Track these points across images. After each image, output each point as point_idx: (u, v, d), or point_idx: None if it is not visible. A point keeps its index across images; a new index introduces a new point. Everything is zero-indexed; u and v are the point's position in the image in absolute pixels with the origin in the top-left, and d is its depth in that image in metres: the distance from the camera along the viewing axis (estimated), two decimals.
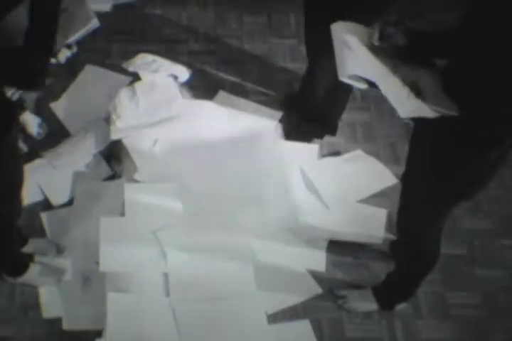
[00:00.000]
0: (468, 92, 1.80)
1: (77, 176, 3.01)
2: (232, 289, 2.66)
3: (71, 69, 3.38)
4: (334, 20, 2.08)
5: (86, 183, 2.99)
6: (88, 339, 2.48)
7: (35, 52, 1.99)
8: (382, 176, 3.13)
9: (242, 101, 3.41)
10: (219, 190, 2.94)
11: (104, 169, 3.06)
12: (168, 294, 2.61)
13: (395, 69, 1.91)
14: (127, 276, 2.64)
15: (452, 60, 1.88)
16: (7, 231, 2.44)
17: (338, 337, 2.66)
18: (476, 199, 2.19)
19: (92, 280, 2.68)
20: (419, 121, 2.01)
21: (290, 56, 3.74)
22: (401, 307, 2.71)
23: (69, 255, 2.75)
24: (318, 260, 2.86)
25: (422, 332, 2.69)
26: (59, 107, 3.32)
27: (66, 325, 2.59)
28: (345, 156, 3.25)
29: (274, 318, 2.66)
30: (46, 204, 2.94)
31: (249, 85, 3.55)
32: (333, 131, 3.32)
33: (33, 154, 3.05)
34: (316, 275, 2.81)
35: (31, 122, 3.15)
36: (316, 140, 3.28)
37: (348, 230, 2.93)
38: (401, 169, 2.33)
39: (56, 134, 3.20)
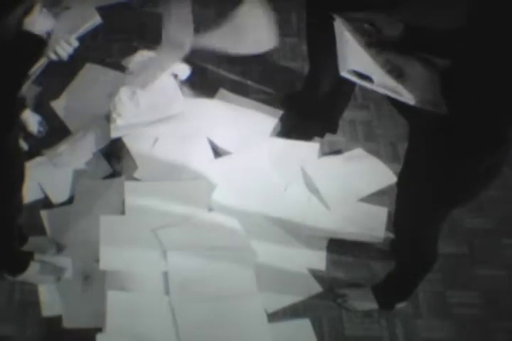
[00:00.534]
0: (468, 95, 1.79)
1: (78, 174, 3.01)
2: (232, 288, 2.65)
3: (71, 68, 3.38)
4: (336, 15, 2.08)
5: (86, 181, 2.99)
6: (88, 338, 2.47)
7: None
8: (383, 175, 3.12)
9: (242, 99, 3.40)
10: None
11: (105, 167, 3.06)
12: (167, 293, 2.61)
13: (387, 62, 1.91)
14: (127, 275, 2.63)
15: (453, 62, 1.87)
16: (7, 229, 2.44)
17: (338, 335, 2.66)
18: (477, 199, 2.19)
19: (92, 279, 2.68)
20: (415, 124, 2.01)
21: (291, 54, 3.73)
22: (401, 306, 2.71)
23: (69, 253, 2.75)
24: (318, 259, 2.86)
25: (421, 331, 2.69)
26: (59, 105, 3.32)
27: (66, 323, 2.59)
28: (346, 155, 3.24)
29: (274, 317, 2.65)
30: (46, 203, 2.94)
31: (249, 84, 3.54)
32: (333, 130, 3.32)
33: (34, 152, 3.06)
34: (316, 274, 2.81)
35: (32, 120, 3.15)
36: (316, 138, 3.28)
37: (348, 229, 2.93)
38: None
39: (56, 132, 3.20)
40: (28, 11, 1.81)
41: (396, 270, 2.59)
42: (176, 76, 3.22)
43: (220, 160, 3.08)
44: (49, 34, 1.83)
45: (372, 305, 2.70)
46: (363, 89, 3.36)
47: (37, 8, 1.82)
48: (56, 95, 3.35)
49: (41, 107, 3.28)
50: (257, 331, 2.57)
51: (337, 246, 2.90)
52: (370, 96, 3.45)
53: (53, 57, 1.83)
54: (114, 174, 3.04)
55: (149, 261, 2.68)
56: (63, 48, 1.82)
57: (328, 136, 3.31)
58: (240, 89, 3.50)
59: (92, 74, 3.45)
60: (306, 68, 3.41)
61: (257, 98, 3.44)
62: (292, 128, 3.30)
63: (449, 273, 2.85)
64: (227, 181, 2.98)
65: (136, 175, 2.91)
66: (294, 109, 3.37)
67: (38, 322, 2.60)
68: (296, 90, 3.47)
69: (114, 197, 2.87)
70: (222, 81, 3.53)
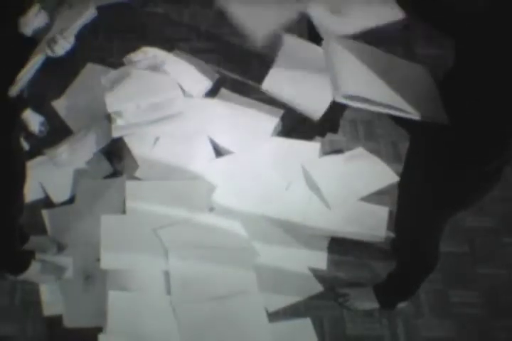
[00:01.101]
0: (469, 102, 1.78)
1: (79, 174, 3.01)
2: (233, 287, 2.65)
3: (72, 68, 3.38)
4: None
5: (87, 181, 2.99)
6: (89, 337, 2.48)
7: None
8: (384, 174, 3.12)
9: (243, 99, 3.40)
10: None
11: (106, 167, 3.07)
12: (168, 292, 2.61)
13: (386, 73, 1.88)
14: (128, 274, 2.64)
15: (453, 70, 1.86)
16: (8, 228, 2.44)
17: (339, 335, 2.67)
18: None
19: (93, 278, 2.69)
20: (415, 132, 2.01)
21: None
22: (402, 305, 2.71)
23: (70, 253, 2.76)
24: (319, 258, 2.86)
25: (423, 331, 2.69)
26: (60, 105, 3.32)
27: (67, 323, 2.59)
28: (347, 154, 3.24)
29: (275, 316, 2.66)
30: (47, 202, 2.95)
31: (250, 83, 3.54)
32: (334, 129, 3.32)
33: (35, 152, 3.06)
34: (317, 274, 2.81)
35: (33, 120, 3.16)
36: (317, 138, 3.28)
37: (349, 228, 2.93)
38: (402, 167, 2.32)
39: (57, 132, 3.21)
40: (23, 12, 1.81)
41: (397, 270, 2.59)
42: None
43: (221, 159, 3.08)
44: (38, 33, 1.82)
45: (373, 304, 2.70)
46: None
47: (34, 9, 1.81)
48: (57, 95, 3.36)
49: (42, 107, 3.29)
50: (258, 330, 2.57)
51: (338, 246, 2.90)
52: None
53: (50, 53, 1.82)
54: (115, 173, 3.05)
55: (150, 260, 2.68)
56: (60, 44, 1.80)
57: (329, 136, 3.31)
58: (241, 89, 3.49)
59: (93, 74, 3.44)
60: None
61: (258, 98, 3.42)
62: (293, 127, 3.30)
63: (450, 272, 2.85)
64: (228, 181, 2.98)
65: (137, 174, 2.91)
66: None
67: (39, 322, 2.60)
68: None
69: (115, 197, 2.87)
70: (223, 80, 3.52)
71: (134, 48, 3.36)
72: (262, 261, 2.76)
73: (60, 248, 2.77)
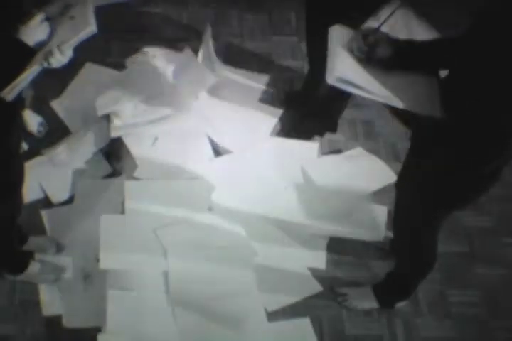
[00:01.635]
0: (469, 101, 1.78)
1: (78, 174, 3.01)
2: (232, 287, 2.66)
3: (71, 68, 3.37)
4: (336, 20, 2.08)
5: (86, 181, 2.99)
6: (88, 337, 2.48)
7: None
8: (383, 174, 3.12)
9: (243, 99, 3.40)
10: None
11: (104, 167, 3.06)
12: (168, 292, 2.61)
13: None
14: (127, 274, 2.64)
15: (451, 71, 1.86)
16: (7, 228, 2.44)
17: (338, 334, 2.67)
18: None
19: (92, 278, 2.68)
20: (417, 131, 2.01)
21: (290, 54, 3.73)
22: (401, 305, 2.71)
23: (69, 253, 2.76)
24: (318, 258, 2.86)
25: (422, 330, 2.70)
26: (59, 105, 3.32)
27: (66, 323, 2.59)
28: (346, 154, 3.25)
29: (274, 316, 2.66)
30: (46, 202, 2.95)
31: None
32: (333, 129, 3.32)
33: (34, 152, 3.06)
34: (316, 274, 2.81)
35: (32, 120, 3.15)
36: (316, 137, 3.28)
37: (348, 228, 2.93)
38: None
39: (56, 132, 3.21)
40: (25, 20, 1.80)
41: (396, 270, 2.59)
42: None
43: (220, 159, 3.08)
44: (40, 45, 1.82)
45: (372, 304, 2.70)
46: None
47: (37, 18, 1.81)
48: (56, 95, 3.36)
49: (41, 107, 3.29)
50: (257, 330, 2.57)
51: (337, 246, 2.90)
52: None
53: (45, 65, 1.82)
54: (114, 173, 3.05)
55: (149, 260, 2.68)
56: (56, 58, 1.80)
57: (328, 135, 3.31)
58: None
59: (92, 74, 3.45)
60: (305, 67, 3.41)
61: (258, 98, 3.44)
62: (292, 127, 3.30)
63: (449, 271, 2.85)
64: (227, 180, 2.98)
65: (136, 174, 2.91)
66: (294, 108, 3.37)
67: (38, 322, 2.60)
68: (296, 89, 3.47)
69: (114, 197, 2.87)
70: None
71: (134, 48, 3.37)
72: (261, 261, 2.76)
73: (59, 248, 2.77)
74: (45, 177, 2.99)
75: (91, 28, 1.82)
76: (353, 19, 2.11)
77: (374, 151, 3.25)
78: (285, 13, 3.94)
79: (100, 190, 2.93)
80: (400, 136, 3.24)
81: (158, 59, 3.21)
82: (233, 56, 3.68)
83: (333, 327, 2.68)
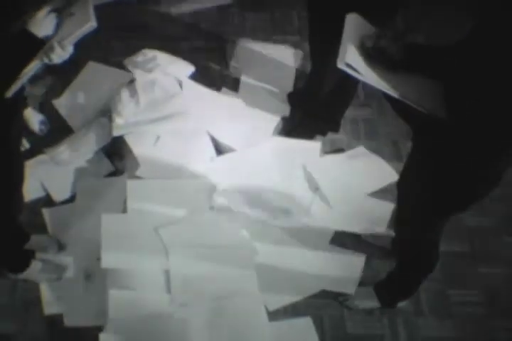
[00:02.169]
0: (469, 104, 1.78)
1: (79, 173, 3.02)
2: (234, 287, 2.65)
3: (73, 66, 3.38)
4: (339, 21, 2.07)
5: (88, 180, 2.99)
6: (89, 336, 2.49)
7: None
8: (385, 173, 3.12)
9: (245, 98, 3.40)
10: None
11: (106, 165, 3.07)
12: (169, 291, 2.61)
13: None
14: (129, 273, 2.64)
15: (455, 74, 1.86)
16: (8, 227, 2.44)
17: (339, 334, 2.67)
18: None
19: (94, 277, 2.69)
20: (418, 131, 2.00)
21: None
22: (402, 304, 2.71)
23: (70, 252, 2.76)
24: (319, 258, 2.86)
25: (423, 330, 2.69)
26: (61, 104, 3.33)
27: (67, 322, 2.60)
28: (348, 153, 3.24)
29: (275, 315, 2.66)
30: (48, 201, 2.95)
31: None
32: (335, 128, 3.31)
33: (36, 150, 3.07)
34: (317, 273, 2.80)
35: (34, 119, 3.16)
36: (318, 137, 3.28)
37: (351, 222, 2.93)
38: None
39: (58, 131, 3.21)
40: (34, 12, 1.81)
41: (397, 269, 2.59)
42: (176, 75, 3.22)
43: (222, 158, 3.08)
44: (47, 38, 1.83)
45: (373, 303, 2.70)
46: (365, 87, 3.36)
47: (44, 10, 1.82)
48: (58, 94, 3.36)
49: (43, 106, 3.30)
50: (258, 329, 2.57)
51: (339, 245, 2.90)
52: (372, 94, 3.44)
53: (46, 61, 1.82)
54: (115, 172, 3.05)
55: (150, 259, 2.68)
56: (57, 53, 1.81)
57: (330, 135, 3.31)
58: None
59: (93, 72, 3.45)
60: (307, 66, 3.41)
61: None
62: (294, 126, 3.30)
63: (450, 271, 2.85)
64: (228, 179, 2.98)
65: (138, 173, 2.91)
66: (297, 107, 3.37)
67: (39, 321, 2.61)
68: (298, 88, 3.47)
69: (115, 196, 2.87)
70: (224, 80, 3.52)
71: (135, 47, 3.37)
72: (262, 260, 2.76)
73: (61, 247, 2.77)
74: (47, 176, 2.99)
75: (91, 23, 1.82)
76: None
77: (376, 151, 3.25)
78: (287, 12, 3.94)
79: (102, 188, 2.94)
80: (402, 136, 3.24)
81: (159, 59, 3.21)
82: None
83: (334, 327, 2.68)
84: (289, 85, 3.51)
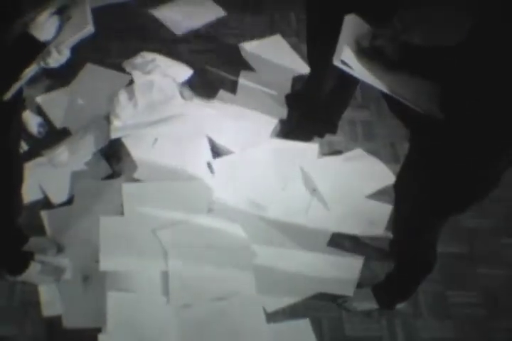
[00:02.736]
0: (468, 104, 1.78)
1: (77, 175, 3.01)
2: (232, 288, 2.65)
3: (71, 68, 3.38)
4: (337, 23, 2.07)
5: (86, 182, 2.99)
6: (88, 338, 2.48)
7: None
8: (382, 175, 3.12)
9: (242, 100, 3.40)
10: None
11: (104, 168, 3.07)
12: (167, 293, 2.61)
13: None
14: (127, 275, 2.63)
15: (454, 74, 1.86)
16: (7, 229, 2.44)
17: (338, 335, 2.67)
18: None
19: (92, 279, 2.69)
20: (416, 131, 2.00)
21: None
22: (401, 306, 2.71)
23: (69, 254, 2.76)
24: (317, 259, 2.86)
25: (422, 331, 2.69)
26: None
27: (66, 323, 2.59)
28: (346, 155, 3.25)
29: (274, 317, 2.66)
30: (46, 203, 2.95)
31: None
32: (333, 130, 3.32)
33: (34, 153, 3.07)
34: (315, 274, 2.80)
35: (32, 121, 3.16)
36: (316, 139, 3.28)
37: (350, 223, 2.94)
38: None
39: (56, 133, 3.21)
40: (36, 15, 1.81)
41: (395, 270, 2.59)
42: (174, 77, 3.23)
43: (220, 160, 3.08)
44: (48, 42, 1.83)
45: (372, 305, 2.70)
46: (363, 89, 3.37)
47: (46, 13, 1.82)
48: None
49: (42, 108, 3.29)
50: (256, 331, 2.57)
51: (336, 246, 2.90)
52: (370, 96, 3.45)
53: (42, 64, 1.83)
54: (113, 175, 3.05)
55: (149, 261, 2.68)
56: (53, 57, 1.81)
57: (328, 137, 3.31)
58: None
59: (91, 74, 3.45)
60: (305, 68, 3.42)
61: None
62: (292, 128, 3.30)
63: (449, 272, 2.85)
64: (226, 181, 2.99)
65: (135, 175, 2.91)
66: (294, 109, 3.37)
67: (38, 322, 2.60)
68: (296, 90, 3.47)
69: (113, 198, 2.87)
70: (223, 82, 3.53)
71: (133, 49, 3.37)
72: (261, 262, 2.76)
73: (59, 249, 2.77)
74: (45, 178, 2.99)
75: (88, 27, 1.82)
76: None
77: (374, 153, 3.25)
78: (285, 15, 3.94)
79: (100, 191, 2.93)
80: (400, 138, 3.24)
81: (157, 61, 3.22)
82: (233, 57, 3.68)
83: (332, 328, 2.68)
84: (286, 87, 3.52)
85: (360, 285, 2.78)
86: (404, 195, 2.25)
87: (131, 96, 3.09)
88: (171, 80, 3.19)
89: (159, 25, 3.81)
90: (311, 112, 3.23)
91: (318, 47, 2.87)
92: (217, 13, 3.91)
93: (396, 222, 2.44)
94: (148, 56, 3.26)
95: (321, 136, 3.30)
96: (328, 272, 2.82)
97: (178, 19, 3.84)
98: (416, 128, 1.99)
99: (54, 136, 3.19)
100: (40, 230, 2.83)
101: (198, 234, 2.79)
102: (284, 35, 3.80)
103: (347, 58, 1.87)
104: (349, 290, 2.76)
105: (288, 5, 3.95)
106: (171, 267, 2.66)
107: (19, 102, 2.14)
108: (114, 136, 3.01)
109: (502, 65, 1.66)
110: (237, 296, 2.63)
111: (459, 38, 1.77)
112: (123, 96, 3.10)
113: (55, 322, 2.60)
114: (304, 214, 2.96)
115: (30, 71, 1.85)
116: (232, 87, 3.50)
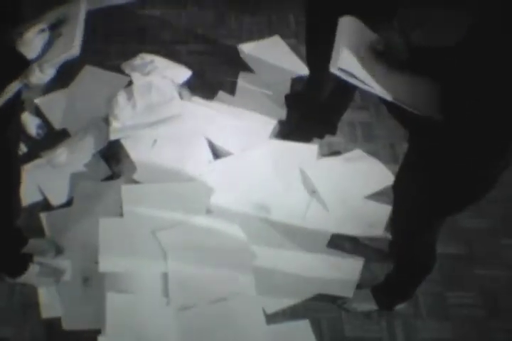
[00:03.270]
0: (468, 104, 1.78)
1: (76, 176, 3.01)
2: (232, 289, 2.65)
3: (70, 70, 3.38)
4: (336, 24, 2.07)
5: (85, 183, 2.99)
6: (87, 339, 2.48)
7: None
8: (382, 176, 3.12)
9: (241, 101, 3.40)
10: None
11: (103, 169, 3.06)
12: (167, 294, 2.61)
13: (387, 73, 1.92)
14: (126, 277, 2.63)
15: (454, 74, 1.86)
16: (6, 230, 2.44)
17: (337, 336, 2.66)
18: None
19: (91, 281, 2.68)
20: (415, 132, 2.00)
21: None
22: (400, 307, 2.71)
23: (68, 255, 2.76)
24: (317, 261, 2.86)
25: (421, 332, 2.69)
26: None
27: (65, 325, 2.59)
28: (345, 156, 3.25)
29: (273, 318, 2.65)
30: (45, 205, 2.95)
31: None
32: (333, 131, 3.32)
33: (33, 154, 3.07)
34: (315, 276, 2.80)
35: (31, 123, 3.16)
36: (315, 140, 3.28)
37: (349, 224, 2.93)
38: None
39: (55, 135, 3.21)
40: (24, 31, 1.80)
41: (395, 271, 2.59)
42: (173, 79, 3.23)
43: (219, 161, 3.08)
44: (34, 60, 1.80)
45: (371, 306, 2.70)
46: (362, 90, 3.36)
47: (35, 29, 1.80)
48: None
49: (40, 110, 3.29)
50: (256, 332, 2.57)
51: (336, 248, 2.90)
52: (370, 97, 3.45)
53: (25, 82, 1.81)
54: (112, 176, 3.05)
55: (148, 263, 2.68)
56: (36, 76, 1.79)
57: (327, 138, 3.31)
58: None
59: (90, 76, 3.45)
60: (304, 69, 3.42)
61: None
62: (291, 129, 3.30)
63: (448, 273, 2.85)
64: (225, 183, 2.98)
65: (135, 177, 2.91)
66: (294, 110, 3.37)
67: (37, 324, 2.60)
68: (296, 91, 3.47)
69: (113, 199, 2.87)
70: (222, 83, 3.53)
71: (132, 51, 3.37)
72: (260, 263, 2.76)
73: (59, 250, 2.76)
74: (44, 180, 2.99)
75: (74, 50, 1.79)
76: None
77: (373, 153, 3.25)
78: (284, 16, 3.94)
79: (99, 192, 2.93)
80: (399, 138, 3.24)
81: (156, 63, 3.22)
82: (232, 59, 3.68)
83: (332, 330, 2.68)
84: (285, 88, 3.52)
85: (359, 286, 2.77)
86: (402, 195, 2.25)
87: (130, 97, 3.09)
88: (169, 81, 3.19)
89: (158, 27, 3.81)
90: (310, 113, 3.23)
91: (317, 49, 2.87)
92: None
93: (395, 222, 2.44)
94: (146, 57, 3.26)
95: (321, 137, 3.30)
96: (328, 273, 2.82)
97: None
98: (415, 129, 1.99)
99: (53, 137, 3.19)
100: (39, 232, 2.84)
101: (198, 235, 2.78)
102: (283, 37, 3.80)
103: (346, 64, 1.86)
104: (349, 292, 2.76)
105: (287, 6, 3.95)
106: (170, 268, 2.66)
107: (18, 104, 2.14)
108: (113, 137, 3.01)
109: (502, 65, 1.66)
110: (237, 297, 2.63)
111: (459, 38, 1.77)
112: (122, 97, 3.10)
113: (54, 324, 2.60)
114: (304, 215, 2.96)
115: (13, 88, 1.83)
116: (231, 88, 3.50)
